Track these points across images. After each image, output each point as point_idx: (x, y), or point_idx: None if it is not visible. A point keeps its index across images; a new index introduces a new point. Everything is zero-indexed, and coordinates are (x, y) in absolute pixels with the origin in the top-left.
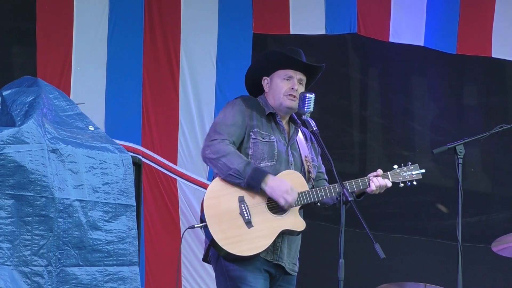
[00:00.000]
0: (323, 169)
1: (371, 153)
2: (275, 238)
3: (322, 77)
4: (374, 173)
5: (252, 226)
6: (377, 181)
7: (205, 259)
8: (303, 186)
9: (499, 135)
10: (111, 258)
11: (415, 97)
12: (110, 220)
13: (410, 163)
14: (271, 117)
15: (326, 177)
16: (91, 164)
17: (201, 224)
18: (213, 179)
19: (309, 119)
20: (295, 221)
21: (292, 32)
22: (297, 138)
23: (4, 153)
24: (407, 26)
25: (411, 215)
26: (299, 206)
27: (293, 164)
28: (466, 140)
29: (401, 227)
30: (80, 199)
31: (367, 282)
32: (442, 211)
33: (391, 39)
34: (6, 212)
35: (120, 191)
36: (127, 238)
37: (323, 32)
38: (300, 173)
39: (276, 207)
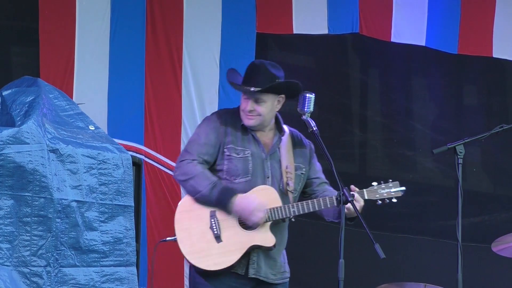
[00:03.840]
0: (319, 174)
1: (373, 153)
2: (249, 253)
3: (323, 77)
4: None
5: (221, 241)
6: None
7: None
8: (276, 201)
9: (501, 135)
10: (108, 259)
11: (417, 97)
12: (106, 220)
13: (390, 180)
14: (247, 129)
15: (325, 180)
16: (90, 164)
17: (172, 238)
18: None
19: (309, 119)
20: (264, 237)
21: (295, 32)
22: (279, 148)
23: (4, 153)
24: (409, 26)
25: (414, 215)
26: (270, 222)
27: (270, 177)
28: (466, 140)
29: (405, 227)
30: (78, 200)
31: (367, 282)
32: (444, 211)
33: (393, 39)
34: (5, 213)
35: (117, 191)
36: (124, 238)
37: (325, 32)
38: (278, 186)
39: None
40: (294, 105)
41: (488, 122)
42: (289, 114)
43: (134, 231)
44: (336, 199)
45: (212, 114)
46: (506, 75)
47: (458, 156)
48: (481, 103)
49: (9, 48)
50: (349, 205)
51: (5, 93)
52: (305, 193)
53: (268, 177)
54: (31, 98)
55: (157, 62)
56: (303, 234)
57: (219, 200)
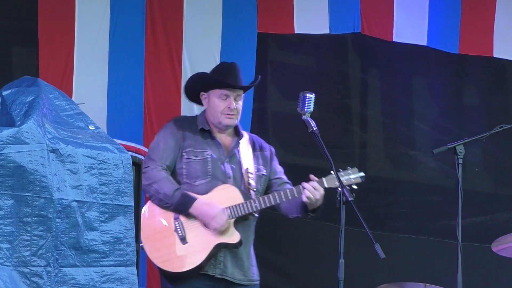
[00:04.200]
0: (279, 175)
1: (373, 153)
2: (215, 253)
3: (324, 76)
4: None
5: (187, 242)
6: (310, 186)
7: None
8: (237, 199)
9: (502, 135)
10: (108, 259)
11: (418, 97)
12: (106, 220)
13: (349, 167)
14: (207, 133)
15: (286, 181)
16: (90, 164)
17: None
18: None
19: (309, 119)
20: (228, 234)
21: (296, 31)
22: (238, 150)
23: (4, 153)
24: (410, 26)
25: (415, 214)
26: (234, 220)
27: (231, 178)
28: (466, 140)
29: (405, 227)
30: (78, 200)
31: (367, 282)
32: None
33: (394, 39)
34: (6, 213)
35: (118, 191)
36: (124, 238)
37: (327, 31)
38: (239, 186)
39: None
40: (294, 105)
41: (490, 122)
42: (289, 114)
43: (134, 231)
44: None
45: (169, 121)
46: (507, 75)
47: (458, 156)
48: (483, 103)
49: (8, 48)
50: (308, 194)
51: (5, 93)
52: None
53: (229, 178)
54: (31, 98)
55: (157, 62)
56: (303, 234)
57: (180, 203)
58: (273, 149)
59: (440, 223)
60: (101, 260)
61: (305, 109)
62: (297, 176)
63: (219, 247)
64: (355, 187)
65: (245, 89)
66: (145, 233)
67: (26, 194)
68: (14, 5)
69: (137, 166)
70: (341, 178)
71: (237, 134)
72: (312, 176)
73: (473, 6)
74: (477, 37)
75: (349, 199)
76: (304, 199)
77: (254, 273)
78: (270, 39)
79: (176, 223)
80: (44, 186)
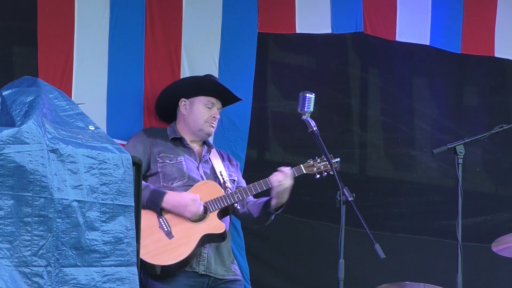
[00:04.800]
0: (244, 185)
1: (374, 153)
2: (200, 248)
3: (324, 76)
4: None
5: (173, 236)
6: (276, 176)
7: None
8: (218, 192)
9: (503, 135)
10: (109, 259)
11: (419, 96)
12: (107, 220)
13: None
14: (178, 141)
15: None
16: (90, 164)
17: None
18: None
19: (309, 119)
20: (213, 225)
21: (298, 31)
22: (209, 157)
23: (4, 153)
24: (413, 25)
25: (416, 214)
26: (217, 211)
27: (205, 179)
28: (466, 140)
29: (407, 227)
30: (79, 200)
31: (367, 282)
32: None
33: (397, 38)
34: (6, 213)
35: (118, 191)
36: (125, 238)
37: (329, 31)
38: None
39: None
40: (294, 105)
41: (490, 122)
42: (289, 114)
43: (135, 231)
44: (336, 199)
45: (139, 131)
46: (508, 75)
47: (458, 156)
48: (484, 103)
49: (8, 48)
50: (277, 189)
51: (5, 93)
52: None
53: (204, 179)
54: (31, 98)
55: (156, 62)
56: (302, 234)
57: (150, 200)
58: (239, 163)
59: (441, 223)
60: (102, 260)
61: (305, 109)
62: (297, 176)
63: (205, 239)
64: (331, 172)
65: (234, 101)
66: None
67: (26, 194)
68: (14, 5)
69: (137, 166)
70: (319, 164)
71: (207, 144)
72: (282, 168)
73: (474, 5)
74: (479, 37)
75: (349, 199)
76: (275, 183)
77: (236, 269)
78: (270, 39)
79: (160, 219)
80: (44, 186)
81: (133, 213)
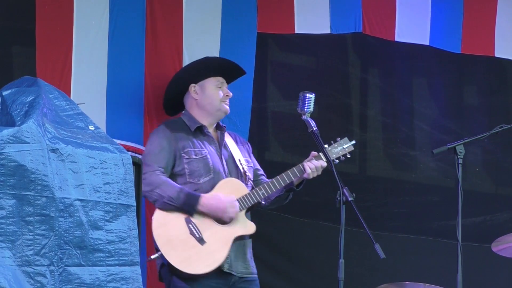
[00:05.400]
0: (258, 166)
1: (375, 153)
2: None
3: (324, 76)
4: (309, 158)
5: (205, 242)
6: (312, 164)
7: (160, 278)
8: (243, 190)
9: (503, 135)
10: (113, 258)
11: (418, 96)
12: (110, 220)
13: (339, 138)
14: (198, 131)
15: (263, 173)
16: (91, 164)
17: (157, 254)
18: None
19: (309, 119)
20: (245, 225)
21: (297, 31)
22: (226, 142)
23: (4, 152)
24: (413, 26)
25: (415, 214)
26: (245, 210)
27: (229, 172)
28: (466, 140)
29: (406, 227)
30: (81, 199)
31: (367, 282)
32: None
33: (397, 39)
34: (8, 212)
35: (120, 191)
36: (128, 238)
37: (328, 31)
38: (237, 178)
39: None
40: (294, 105)
41: (490, 122)
42: (289, 114)
43: (137, 230)
44: (336, 198)
45: (159, 126)
46: (508, 75)
47: (458, 156)
48: (484, 103)
49: (8, 48)
50: (309, 172)
51: (5, 93)
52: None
53: (228, 173)
54: (31, 98)
55: (157, 62)
56: (303, 234)
57: (186, 203)
58: (249, 144)
59: (440, 223)
60: (106, 259)
61: (305, 109)
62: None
63: (235, 240)
64: (348, 156)
65: (238, 76)
66: (161, 241)
67: (28, 193)
68: (12, 5)
69: (137, 166)
70: (336, 149)
71: (219, 128)
72: (313, 153)
73: (475, 5)
74: (479, 37)
75: (349, 199)
76: (306, 175)
77: (252, 265)
78: (270, 39)
79: (190, 225)
80: (45, 185)
81: (135, 213)
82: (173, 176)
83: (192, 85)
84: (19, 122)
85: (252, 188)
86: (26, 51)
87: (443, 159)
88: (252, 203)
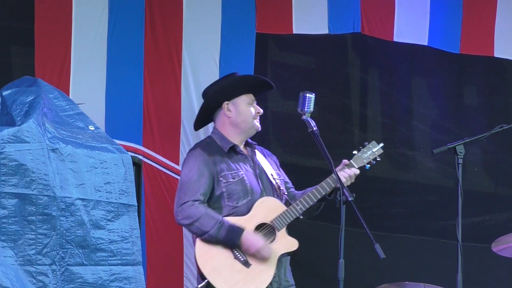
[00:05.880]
0: (287, 179)
1: None
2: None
3: (324, 76)
4: (340, 166)
5: (251, 265)
6: (345, 173)
7: None
8: (280, 208)
9: (502, 135)
10: (115, 258)
11: (418, 97)
12: (112, 219)
13: (366, 142)
14: (232, 151)
15: (291, 185)
16: (91, 163)
17: (204, 283)
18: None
19: (309, 119)
20: (287, 243)
21: (295, 32)
22: (256, 158)
23: (5, 151)
24: (411, 26)
25: (413, 215)
26: (285, 227)
27: (264, 190)
28: (466, 140)
29: (404, 227)
30: (82, 198)
31: (367, 282)
32: (444, 211)
33: (395, 39)
34: (10, 212)
35: (121, 191)
36: (130, 237)
37: (326, 31)
38: (272, 195)
39: (265, 236)
40: (294, 105)
41: (489, 122)
42: (288, 114)
43: (139, 230)
44: (337, 198)
45: (195, 149)
46: (507, 75)
47: (458, 156)
48: (483, 103)
49: (7, 48)
50: (341, 175)
51: (5, 93)
52: None
53: (263, 191)
54: (31, 98)
55: (156, 62)
56: (302, 234)
57: (228, 239)
58: (276, 158)
59: (438, 223)
60: (109, 259)
61: (305, 109)
62: (297, 176)
63: (280, 258)
64: (378, 159)
65: (269, 89)
66: (208, 269)
67: (30, 192)
68: (11, 5)
69: (137, 166)
70: (365, 154)
71: (249, 145)
72: (345, 161)
73: (474, 5)
74: (478, 37)
75: (349, 199)
76: (345, 180)
77: (291, 277)
78: (270, 39)
79: (234, 250)
80: (46, 184)
81: (136, 213)
82: (211, 200)
83: (226, 102)
84: (19, 122)
85: (288, 203)
86: (25, 51)
87: (441, 159)
88: (291, 219)
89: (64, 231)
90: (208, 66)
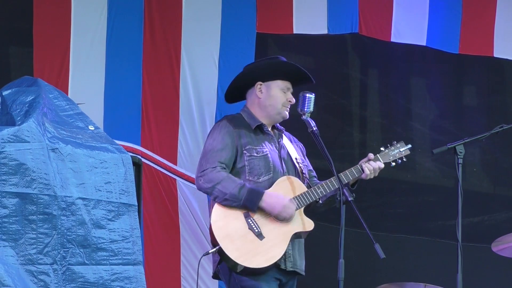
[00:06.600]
0: (311, 167)
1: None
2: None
3: (323, 77)
4: (365, 159)
5: (264, 237)
6: (370, 165)
7: (215, 276)
8: (302, 187)
9: (501, 135)
10: (116, 257)
11: (416, 97)
12: (113, 219)
13: (395, 141)
14: (258, 129)
15: (315, 174)
16: (91, 163)
17: (214, 249)
18: (212, 205)
19: (309, 119)
20: (303, 222)
21: (295, 32)
22: (283, 142)
23: (5, 151)
24: (409, 26)
25: (412, 215)
26: (303, 208)
27: (287, 171)
28: (466, 140)
29: (402, 227)
30: (83, 197)
31: (367, 282)
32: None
33: (393, 39)
34: (11, 211)
35: (121, 190)
36: (131, 237)
37: (325, 32)
38: (295, 176)
39: None
40: (294, 105)
41: (488, 122)
42: (289, 114)
43: (139, 230)
44: (337, 198)
45: (221, 120)
46: (506, 75)
47: (458, 156)
48: (481, 103)
49: (5, 49)
50: (368, 174)
51: (5, 93)
52: None
53: (286, 172)
54: (31, 98)
55: (155, 62)
56: None
57: (248, 199)
58: (303, 146)
59: (437, 223)
60: (110, 258)
61: (305, 109)
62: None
63: (293, 237)
64: (404, 159)
65: (308, 83)
66: (221, 235)
67: (31, 192)
68: (10, 6)
69: (137, 166)
70: (393, 152)
71: (277, 129)
72: (370, 155)
73: (474, 5)
74: (478, 37)
75: (349, 199)
76: (364, 176)
77: (303, 265)
78: (270, 39)
79: (249, 220)
80: (47, 184)
81: (137, 212)
82: (232, 172)
83: (259, 83)
84: (19, 122)
85: (309, 186)
86: (24, 52)
87: (439, 159)
88: (310, 200)
89: (65, 231)
90: (207, 66)
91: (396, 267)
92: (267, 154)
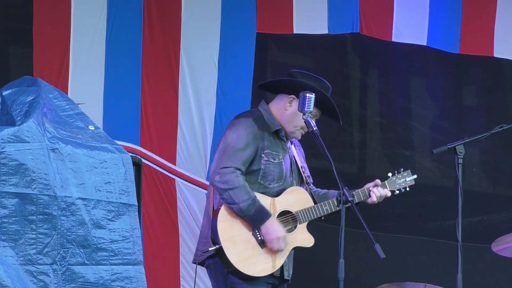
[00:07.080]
0: (309, 173)
1: (371, 153)
2: None
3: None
4: (373, 183)
5: (265, 246)
6: (378, 191)
7: (201, 263)
8: (308, 202)
9: (501, 135)
10: (117, 257)
11: (416, 97)
12: (113, 219)
13: (402, 169)
14: (275, 133)
15: (312, 180)
16: (91, 163)
17: (215, 247)
18: (214, 195)
19: (309, 119)
20: (304, 238)
21: (295, 31)
22: (291, 148)
23: (5, 151)
24: (410, 26)
25: (411, 215)
26: (306, 223)
27: (294, 180)
28: (466, 140)
29: (402, 227)
30: (83, 197)
31: (367, 282)
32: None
33: (393, 39)
34: (10, 211)
35: (122, 190)
36: (131, 237)
37: (325, 31)
38: (299, 184)
39: (285, 223)
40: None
41: (488, 122)
42: None
43: (139, 230)
44: (337, 199)
45: (248, 117)
46: (506, 75)
47: (458, 156)
48: (481, 103)
49: (5, 49)
50: (375, 200)
51: (5, 93)
52: None
53: (294, 180)
54: (31, 98)
55: (154, 62)
56: None
57: (253, 219)
58: (303, 150)
59: (436, 223)
60: (110, 258)
61: (305, 109)
62: None
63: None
64: (408, 189)
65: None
66: (225, 236)
67: (31, 192)
68: (10, 6)
69: (137, 166)
70: (399, 181)
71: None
72: (378, 181)
73: (474, 5)
74: (478, 37)
75: (349, 199)
76: (370, 201)
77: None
78: (270, 39)
79: (255, 228)
80: (46, 184)
81: (137, 212)
82: (247, 172)
83: (292, 96)
84: (19, 122)
85: (314, 199)
86: (23, 52)
87: (439, 159)
88: (315, 217)
89: (65, 231)
90: (206, 67)
91: (396, 267)
92: (282, 161)
